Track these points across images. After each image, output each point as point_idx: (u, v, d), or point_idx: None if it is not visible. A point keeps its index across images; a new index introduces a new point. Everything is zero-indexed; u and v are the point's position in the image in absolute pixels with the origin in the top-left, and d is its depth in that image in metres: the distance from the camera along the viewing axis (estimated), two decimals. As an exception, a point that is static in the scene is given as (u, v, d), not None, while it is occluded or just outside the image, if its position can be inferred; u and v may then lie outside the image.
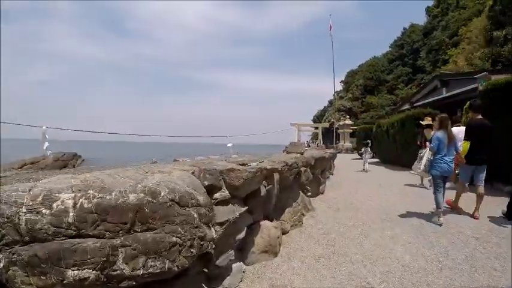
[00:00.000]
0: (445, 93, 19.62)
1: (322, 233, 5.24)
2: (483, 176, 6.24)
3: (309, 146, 23.61)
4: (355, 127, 35.16)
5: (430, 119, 10.29)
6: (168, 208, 2.34)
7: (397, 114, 18.51)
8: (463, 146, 6.21)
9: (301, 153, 7.32)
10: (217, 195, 3.15)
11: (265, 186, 4.00)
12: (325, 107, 75.73)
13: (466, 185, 6.74)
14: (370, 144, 19.80)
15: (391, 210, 6.88)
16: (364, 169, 15.31)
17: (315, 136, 52.58)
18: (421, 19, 61.26)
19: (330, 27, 48.64)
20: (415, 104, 21.98)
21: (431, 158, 5.99)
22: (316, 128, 49.98)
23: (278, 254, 4.22)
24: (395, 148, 16.93)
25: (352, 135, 37.83)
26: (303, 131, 50.09)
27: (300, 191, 6.15)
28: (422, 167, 6.36)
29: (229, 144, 8.56)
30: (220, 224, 3.04)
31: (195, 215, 2.52)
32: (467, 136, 6.22)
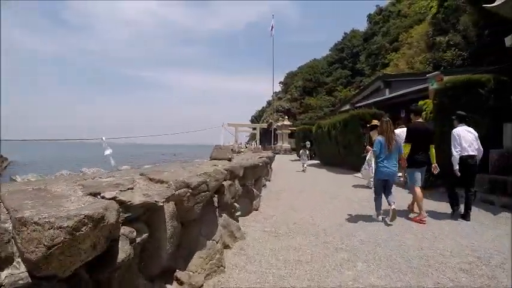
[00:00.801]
0: (388, 94, 18.90)
1: (255, 281, 3.44)
2: (423, 177, 6.42)
3: (246, 147, 22.06)
4: (294, 128, 34.28)
5: (376, 121, 9.56)
6: None
7: (340, 114, 17.25)
8: (403, 148, 6.19)
9: (229, 160, 5.55)
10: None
11: (131, 241, 2.03)
12: (263, 107, 74.76)
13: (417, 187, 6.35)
14: (309, 146, 18.77)
15: (345, 230, 5.35)
16: (303, 169, 15.30)
17: (252, 137, 51.54)
18: (362, 25, 62.88)
19: (272, 27, 47.39)
20: (357, 105, 21.14)
21: (374, 162, 6.11)
22: (254, 128, 49.02)
23: None
24: (337, 150, 15.74)
25: (290, 136, 36.87)
26: (241, 132, 48.98)
27: (224, 214, 4.30)
28: (371, 173, 6.47)
29: (107, 152, 5.80)
30: None
31: None
32: (408, 139, 6.30)
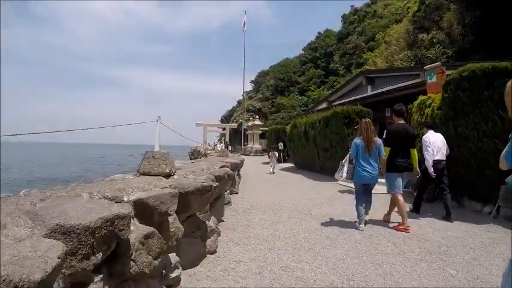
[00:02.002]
0: (370, 91, 17.09)
1: None
2: (403, 183, 6.08)
3: (213, 149, 20.03)
4: (265, 128, 32.38)
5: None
6: None
7: (320, 112, 15.05)
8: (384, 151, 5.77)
9: (167, 176, 3.34)
10: None
11: None
12: (233, 107, 72.07)
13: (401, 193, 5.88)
14: (282, 147, 17.19)
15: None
16: (271, 172, 14.81)
17: (223, 137, 49.39)
18: (336, 26, 62.66)
19: (244, 23, 45.79)
20: (335, 103, 19.14)
21: (352, 165, 5.69)
22: (224, 129, 47.11)
23: None
24: (315, 152, 13.70)
25: (262, 136, 35.55)
26: (211, 132, 46.92)
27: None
28: (344, 174, 5.79)
29: None
30: None
31: None
32: (386, 142, 5.87)
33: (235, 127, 46.30)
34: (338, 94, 21.20)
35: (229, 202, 6.81)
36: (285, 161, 19.66)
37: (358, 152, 5.52)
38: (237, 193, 8.63)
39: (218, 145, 33.95)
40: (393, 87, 14.17)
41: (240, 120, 46.55)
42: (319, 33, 64.55)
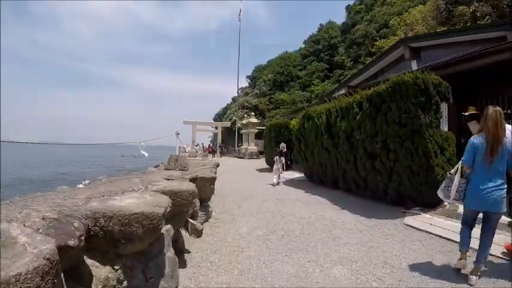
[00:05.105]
0: (416, 67, 11.79)
1: None
2: None
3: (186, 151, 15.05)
4: (262, 127, 27.28)
5: (473, 108, 4.99)
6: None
7: (360, 92, 8.77)
8: None
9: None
10: None
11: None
12: (228, 104, 66.59)
13: None
14: (285, 149, 13.51)
15: None
16: (275, 182, 11.34)
17: (215, 138, 44.72)
18: (339, 19, 59.72)
19: (240, 11, 42.38)
20: (362, 85, 13.57)
21: (464, 180, 3.48)
22: (216, 127, 42.61)
23: None
24: (350, 160, 8.24)
25: (258, 136, 31.11)
26: (203, 132, 42.29)
27: None
28: (453, 193, 3.50)
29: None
30: None
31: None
32: None
33: (229, 125, 41.70)
34: (363, 76, 15.91)
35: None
36: (288, 168, 14.05)
37: (476, 158, 3.34)
38: (184, 267, 3.11)
39: (190, 146, 27.22)
40: (464, 53, 8.83)
41: (234, 118, 41.42)
42: (321, 25, 59.70)
